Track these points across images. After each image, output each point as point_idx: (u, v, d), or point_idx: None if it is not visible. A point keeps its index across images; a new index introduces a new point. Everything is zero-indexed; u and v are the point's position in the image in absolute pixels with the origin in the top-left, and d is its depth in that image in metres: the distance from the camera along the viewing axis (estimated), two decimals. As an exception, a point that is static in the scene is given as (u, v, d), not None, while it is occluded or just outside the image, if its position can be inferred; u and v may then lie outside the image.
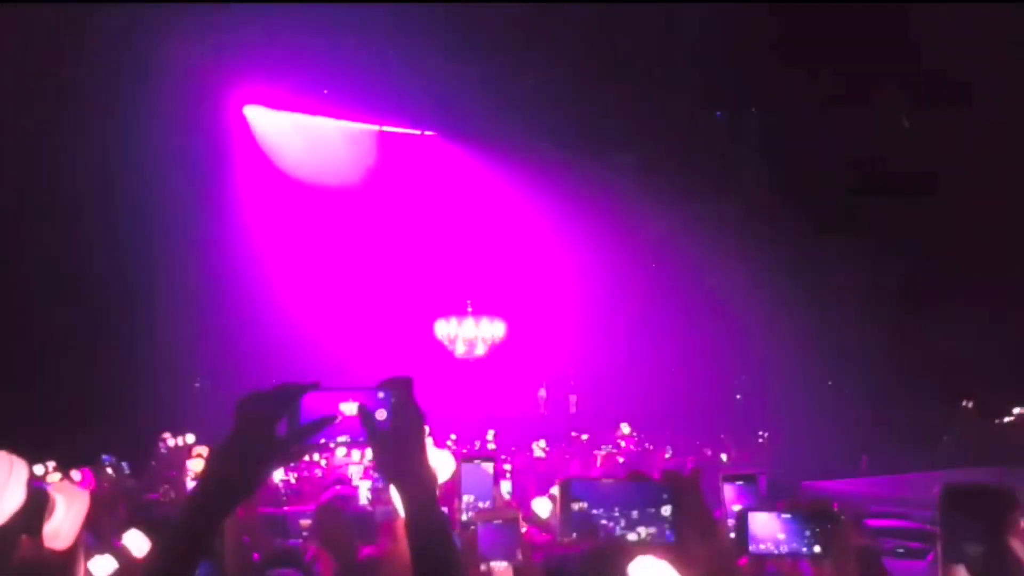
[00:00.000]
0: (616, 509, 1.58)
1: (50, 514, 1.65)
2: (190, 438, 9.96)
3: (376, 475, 5.31)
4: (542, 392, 19.12)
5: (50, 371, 11.66)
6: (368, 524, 3.02)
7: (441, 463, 2.34)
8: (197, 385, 14.99)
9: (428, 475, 1.16)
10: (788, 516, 1.56)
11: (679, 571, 1.35)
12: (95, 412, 11.25)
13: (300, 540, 4.46)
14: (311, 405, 1.13)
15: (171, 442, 10.04)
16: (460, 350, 17.67)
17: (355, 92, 15.16)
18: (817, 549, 1.52)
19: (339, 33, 12.33)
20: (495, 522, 1.97)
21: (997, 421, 17.38)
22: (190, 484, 4.55)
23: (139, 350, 12.55)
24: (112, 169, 12.18)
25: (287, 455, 1.14)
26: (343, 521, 3.04)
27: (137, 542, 2.52)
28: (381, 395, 1.16)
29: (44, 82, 11.14)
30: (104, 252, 12.25)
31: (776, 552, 1.56)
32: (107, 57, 11.27)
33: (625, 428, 14.55)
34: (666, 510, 1.24)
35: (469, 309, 17.67)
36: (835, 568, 1.52)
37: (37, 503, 1.59)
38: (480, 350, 17.71)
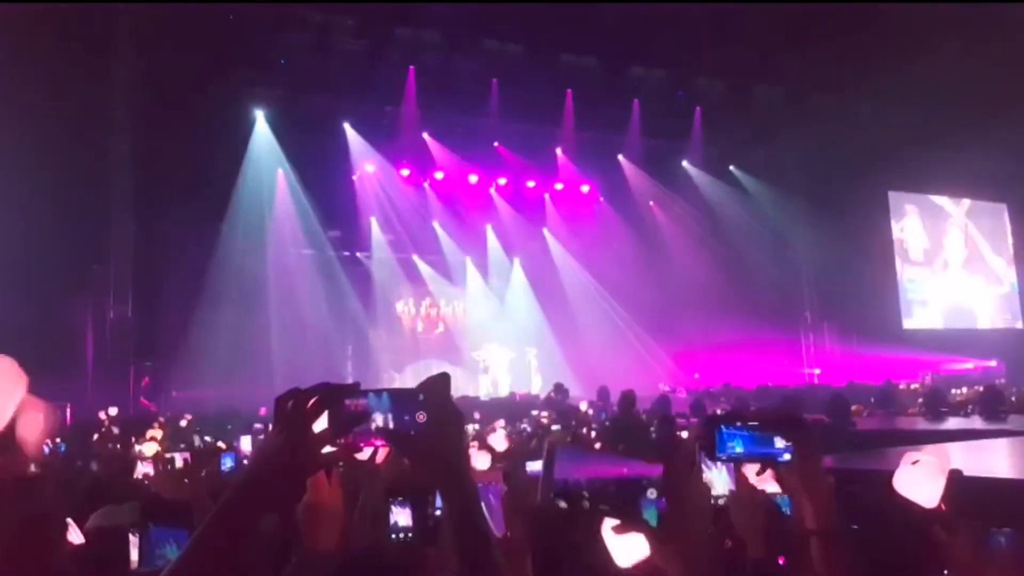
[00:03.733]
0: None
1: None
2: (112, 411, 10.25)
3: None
4: None
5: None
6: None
7: None
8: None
9: (470, 478, 1.15)
10: (756, 424, 1.60)
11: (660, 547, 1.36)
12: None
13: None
14: (349, 405, 1.13)
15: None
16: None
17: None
18: (788, 457, 1.55)
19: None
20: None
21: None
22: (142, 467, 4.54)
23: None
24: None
25: (327, 457, 1.13)
26: None
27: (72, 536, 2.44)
28: (420, 397, 1.15)
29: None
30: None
31: (747, 456, 1.59)
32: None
33: None
34: (651, 492, 1.25)
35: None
36: (802, 475, 1.55)
37: None
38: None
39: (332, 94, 15.74)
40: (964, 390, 13.81)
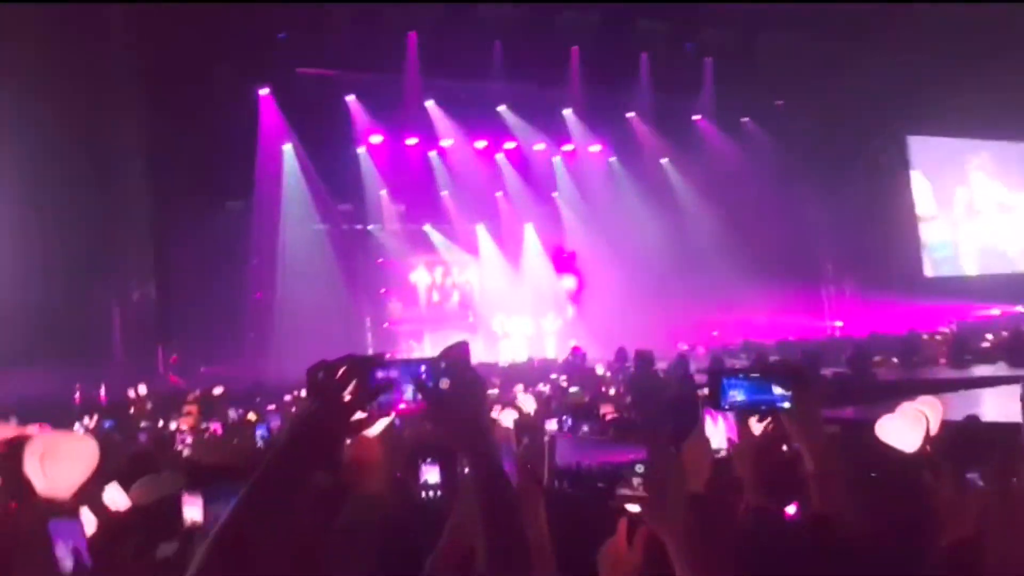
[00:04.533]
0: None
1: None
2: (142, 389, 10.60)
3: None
4: None
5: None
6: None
7: None
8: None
9: (491, 440, 1.23)
10: (757, 375, 1.75)
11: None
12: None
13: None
14: (375, 375, 1.22)
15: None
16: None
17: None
18: (787, 405, 1.71)
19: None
20: None
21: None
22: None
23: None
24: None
25: (357, 423, 1.22)
26: None
27: (116, 497, 2.61)
28: (442, 364, 1.23)
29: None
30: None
31: (748, 403, 1.75)
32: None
33: None
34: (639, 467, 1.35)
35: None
36: (800, 421, 1.70)
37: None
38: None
39: (333, 66, 15.73)
40: (991, 337, 13.76)
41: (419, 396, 1.23)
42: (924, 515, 1.73)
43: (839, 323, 19.88)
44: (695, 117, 19.29)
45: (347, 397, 1.19)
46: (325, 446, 1.21)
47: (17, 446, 1.98)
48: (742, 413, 1.82)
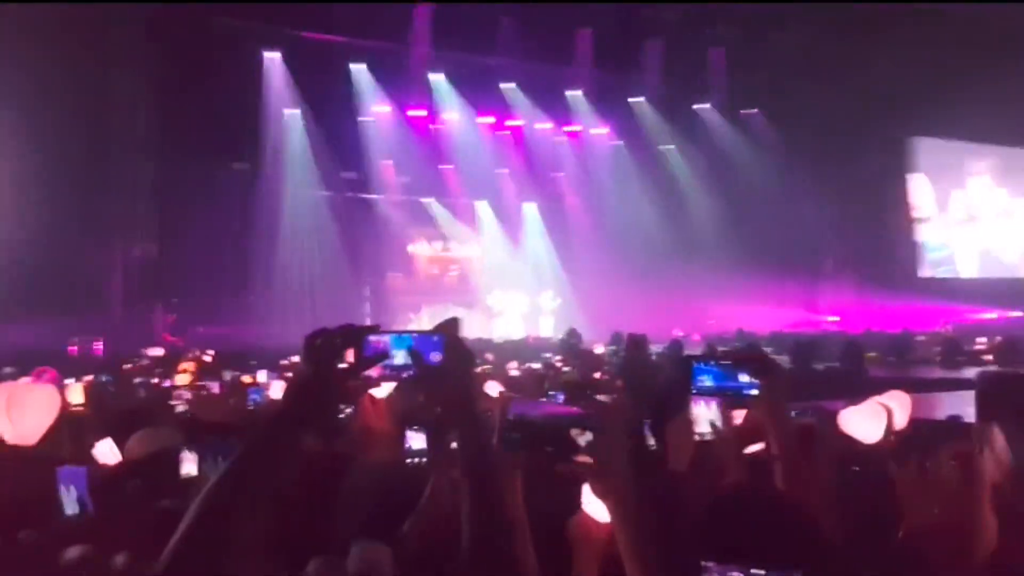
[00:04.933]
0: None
1: None
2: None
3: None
4: None
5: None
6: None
7: None
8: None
9: (480, 414, 1.27)
10: (727, 363, 1.84)
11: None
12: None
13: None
14: (372, 343, 1.26)
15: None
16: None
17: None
18: (754, 392, 1.80)
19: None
20: None
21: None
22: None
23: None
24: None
25: (350, 390, 1.27)
26: None
27: (107, 451, 2.68)
28: (435, 338, 1.27)
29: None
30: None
31: (716, 389, 1.84)
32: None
33: None
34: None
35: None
36: (767, 408, 1.80)
37: None
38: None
39: (340, 33, 15.67)
40: (985, 340, 13.87)
41: (410, 366, 1.27)
42: (886, 503, 1.83)
43: (835, 318, 20.02)
44: (702, 106, 19.27)
45: (343, 365, 1.24)
46: (319, 411, 1.24)
47: None
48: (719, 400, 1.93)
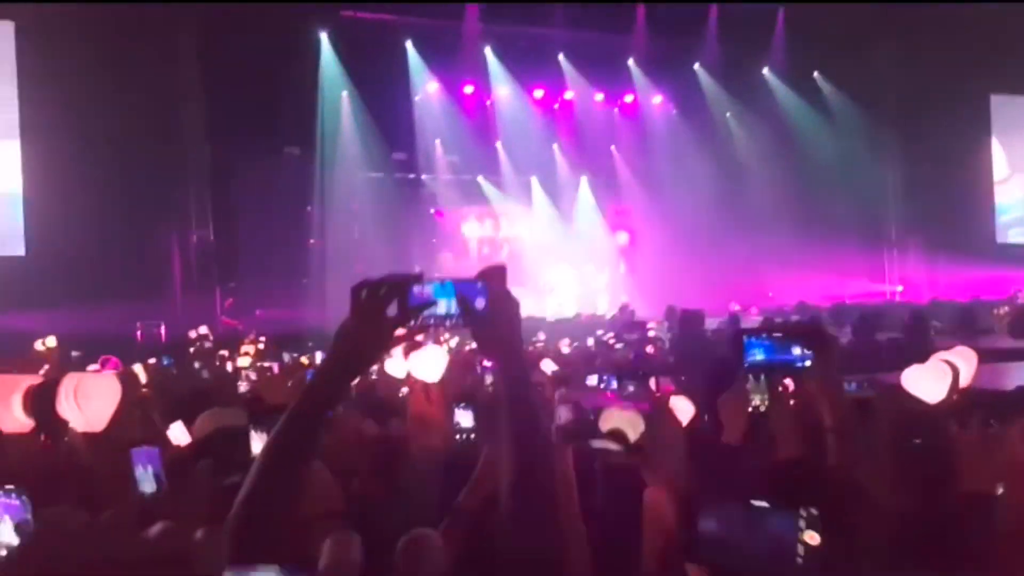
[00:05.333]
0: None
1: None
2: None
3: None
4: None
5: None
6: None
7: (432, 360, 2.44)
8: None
9: (523, 354, 1.33)
10: (779, 335, 1.84)
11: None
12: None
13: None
14: (416, 292, 1.30)
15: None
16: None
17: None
18: (807, 363, 1.80)
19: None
20: None
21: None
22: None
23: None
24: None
25: (397, 336, 1.31)
26: None
27: (179, 433, 2.82)
28: (480, 285, 1.31)
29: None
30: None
31: (768, 363, 1.85)
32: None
33: None
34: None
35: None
36: (820, 380, 1.80)
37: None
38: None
39: (393, 10, 15.72)
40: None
41: (454, 315, 1.31)
42: (946, 469, 1.81)
43: (899, 287, 19.40)
44: (764, 70, 18.74)
45: (388, 314, 1.28)
46: (366, 360, 1.33)
47: (48, 389, 2.23)
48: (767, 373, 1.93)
